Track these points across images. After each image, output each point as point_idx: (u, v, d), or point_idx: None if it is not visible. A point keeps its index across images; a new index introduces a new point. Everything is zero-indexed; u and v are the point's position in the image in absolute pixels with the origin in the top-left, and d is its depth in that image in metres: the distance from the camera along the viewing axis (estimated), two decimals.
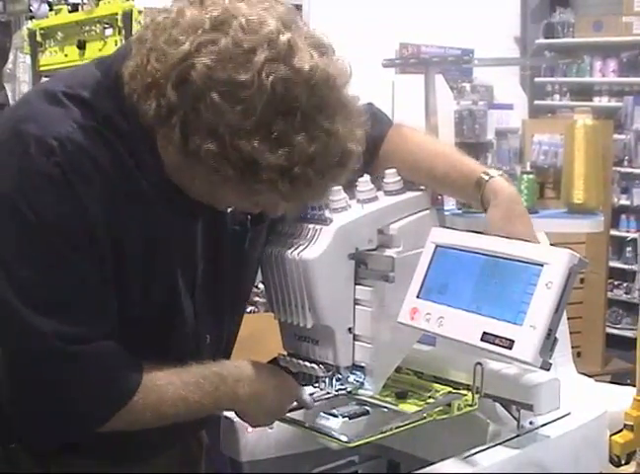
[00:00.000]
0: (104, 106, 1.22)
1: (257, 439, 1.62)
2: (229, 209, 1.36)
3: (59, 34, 4.00)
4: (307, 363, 1.47)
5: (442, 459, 1.38)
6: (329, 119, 1.17)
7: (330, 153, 1.18)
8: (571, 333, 1.71)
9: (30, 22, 4.41)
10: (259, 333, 1.61)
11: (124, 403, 1.25)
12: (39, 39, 4.12)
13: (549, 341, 1.26)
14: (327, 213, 1.43)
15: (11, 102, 4.77)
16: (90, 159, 1.19)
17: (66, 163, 1.17)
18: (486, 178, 1.45)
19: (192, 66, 1.13)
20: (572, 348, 1.75)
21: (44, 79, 3.83)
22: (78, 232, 1.18)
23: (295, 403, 1.49)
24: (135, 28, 3.38)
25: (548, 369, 1.28)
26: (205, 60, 1.12)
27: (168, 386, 1.29)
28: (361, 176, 1.47)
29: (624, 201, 5.97)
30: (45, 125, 1.19)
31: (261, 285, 1.54)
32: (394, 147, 1.54)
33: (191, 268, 1.35)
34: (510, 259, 1.33)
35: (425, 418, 1.41)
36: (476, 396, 1.43)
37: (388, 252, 1.45)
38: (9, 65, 4.83)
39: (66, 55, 3.93)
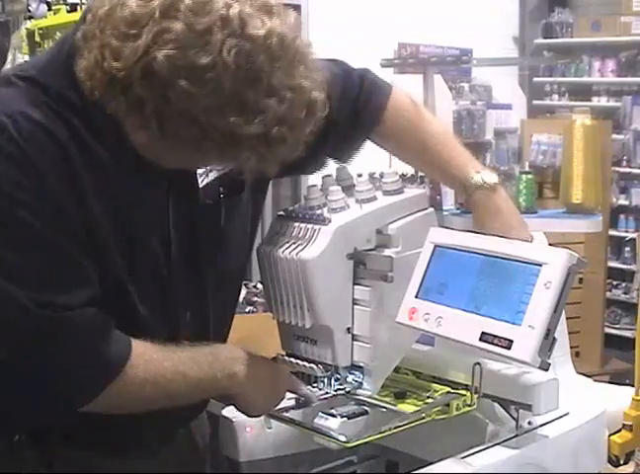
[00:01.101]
0: (55, 82, 1.23)
1: (255, 439, 1.62)
2: (201, 185, 1.36)
3: (58, 34, 3.99)
4: (306, 363, 1.47)
5: (441, 459, 1.38)
6: (292, 77, 1.20)
7: (298, 108, 1.21)
8: (569, 333, 1.71)
9: (28, 22, 4.41)
10: (258, 333, 1.61)
11: (117, 370, 1.23)
12: (37, 39, 4.12)
13: (548, 341, 1.26)
14: (325, 213, 1.43)
15: None
16: (46, 133, 1.19)
17: (21, 138, 1.17)
18: (470, 185, 1.49)
19: (153, 59, 1.13)
20: (570, 347, 1.75)
21: None
22: (45, 204, 1.18)
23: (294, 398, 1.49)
24: None
25: (547, 369, 1.28)
26: (165, 50, 1.13)
27: (165, 361, 1.29)
28: (361, 175, 1.47)
29: (623, 201, 5.96)
30: None
31: (259, 285, 1.53)
32: (395, 123, 1.56)
33: (163, 239, 1.33)
34: (508, 259, 1.33)
35: (423, 418, 1.42)
36: (475, 396, 1.43)
37: (387, 252, 1.45)
38: (7, 65, 4.80)
39: None
